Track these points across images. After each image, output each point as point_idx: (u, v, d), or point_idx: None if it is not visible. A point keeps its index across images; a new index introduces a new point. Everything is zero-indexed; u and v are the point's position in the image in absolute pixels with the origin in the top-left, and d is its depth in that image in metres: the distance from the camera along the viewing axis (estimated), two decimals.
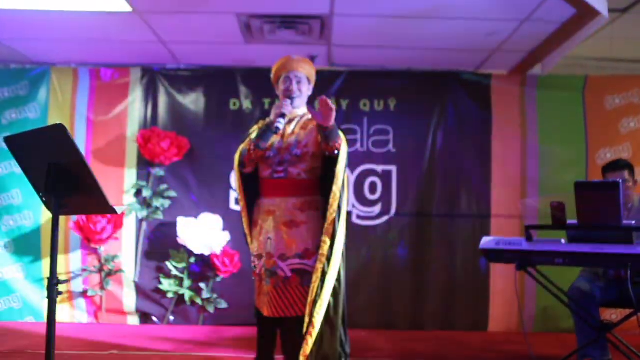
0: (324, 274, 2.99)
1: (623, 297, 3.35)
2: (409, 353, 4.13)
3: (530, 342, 3.38)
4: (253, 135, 3.19)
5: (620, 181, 2.87)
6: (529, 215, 4.95)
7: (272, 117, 3.11)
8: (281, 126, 3.02)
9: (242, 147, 3.19)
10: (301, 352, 2.96)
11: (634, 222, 3.32)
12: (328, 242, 3.00)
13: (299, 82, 3.18)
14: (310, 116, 3.21)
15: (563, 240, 2.96)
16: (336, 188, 3.03)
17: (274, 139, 3.14)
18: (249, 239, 3.25)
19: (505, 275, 4.84)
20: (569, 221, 2.95)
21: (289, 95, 3.14)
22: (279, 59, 3.25)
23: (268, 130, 3.10)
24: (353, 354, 3.29)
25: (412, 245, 5.05)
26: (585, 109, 5.03)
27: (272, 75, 3.28)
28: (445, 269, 5.01)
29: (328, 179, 3.13)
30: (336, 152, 3.03)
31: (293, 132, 3.15)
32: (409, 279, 5.02)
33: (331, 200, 3.02)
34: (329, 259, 2.99)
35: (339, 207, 3.03)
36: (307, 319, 2.96)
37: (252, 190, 3.24)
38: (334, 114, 2.88)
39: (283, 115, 3.04)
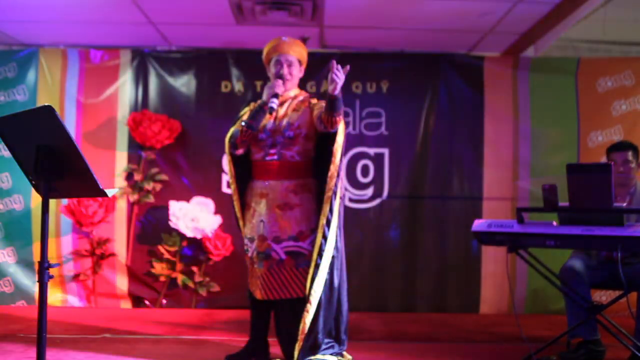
0: (320, 252, 2.99)
1: (614, 278, 3.37)
2: (400, 335, 4.16)
3: (521, 323, 3.40)
4: (244, 117, 3.18)
5: (612, 163, 2.88)
6: (520, 198, 4.97)
7: (264, 97, 3.09)
8: (275, 106, 3.01)
9: (232, 129, 3.18)
10: (299, 330, 2.99)
11: (624, 204, 3.35)
12: (324, 220, 3.00)
13: (290, 66, 3.17)
14: (302, 98, 3.22)
15: (554, 223, 2.97)
16: (333, 167, 3.02)
17: (267, 121, 3.13)
18: (240, 223, 3.25)
19: (496, 257, 4.88)
20: (561, 203, 2.96)
21: (280, 78, 3.13)
22: (270, 41, 3.23)
23: (261, 110, 3.09)
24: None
25: (404, 228, 5.06)
26: (578, 91, 5.03)
27: (263, 57, 3.27)
28: (437, 251, 5.03)
29: (322, 160, 3.14)
30: (333, 130, 2.99)
31: (285, 114, 3.15)
32: (401, 262, 5.04)
33: (328, 179, 3.01)
34: (325, 238, 3.00)
35: (335, 186, 3.02)
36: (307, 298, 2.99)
37: (244, 172, 3.24)
38: (339, 81, 2.80)
39: (276, 95, 3.03)
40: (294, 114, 3.15)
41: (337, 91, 2.84)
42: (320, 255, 3.00)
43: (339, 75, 2.80)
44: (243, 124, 3.10)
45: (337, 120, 2.95)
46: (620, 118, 5.01)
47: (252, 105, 3.26)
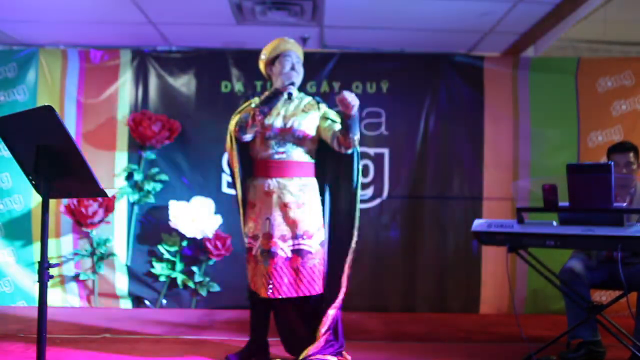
0: (349, 253, 3.16)
1: (614, 278, 3.37)
2: (400, 335, 4.16)
3: (521, 323, 3.40)
4: (246, 110, 3.18)
5: (612, 163, 2.88)
6: (520, 198, 4.96)
7: (278, 85, 3.12)
8: (293, 92, 3.06)
9: (237, 116, 3.17)
10: (318, 330, 3.07)
11: (624, 204, 3.35)
12: (357, 224, 3.21)
13: (297, 62, 3.20)
14: (309, 100, 3.27)
15: (554, 223, 2.97)
16: (358, 183, 3.25)
17: (274, 118, 3.12)
18: (242, 220, 3.24)
19: (496, 257, 4.88)
20: (561, 203, 2.96)
21: (294, 71, 3.17)
22: (272, 41, 3.24)
23: (274, 97, 3.10)
24: (345, 337, 3.31)
25: (404, 228, 5.06)
26: (578, 91, 5.03)
27: (264, 57, 3.25)
28: (437, 251, 5.03)
29: (322, 160, 3.23)
30: (349, 151, 3.12)
31: (294, 114, 3.16)
32: (401, 261, 5.04)
33: (356, 189, 3.24)
34: (354, 242, 3.19)
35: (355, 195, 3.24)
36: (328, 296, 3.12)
37: (244, 171, 3.23)
38: (355, 104, 2.92)
39: (293, 84, 3.07)
40: (303, 114, 3.18)
41: (354, 112, 2.93)
42: (347, 254, 3.16)
43: (353, 97, 2.90)
44: (253, 106, 3.13)
45: (354, 141, 3.06)
46: (620, 118, 5.01)
47: (256, 99, 3.26)
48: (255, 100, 3.22)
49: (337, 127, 3.12)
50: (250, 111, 3.10)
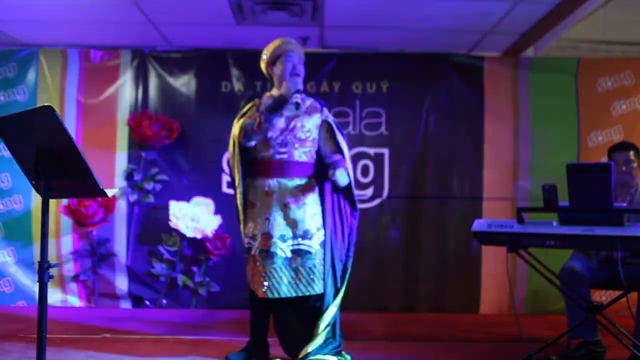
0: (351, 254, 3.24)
1: (614, 278, 3.37)
2: (400, 335, 4.16)
3: (521, 323, 3.40)
4: (249, 113, 3.18)
5: (612, 163, 2.88)
6: (520, 198, 4.97)
7: (283, 91, 3.09)
8: (300, 101, 3.07)
9: (242, 120, 3.17)
10: (317, 328, 3.07)
11: (625, 204, 3.35)
12: (355, 226, 3.28)
13: (299, 63, 3.19)
14: (312, 102, 3.27)
15: (555, 223, 2.97)
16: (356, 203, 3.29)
17: (276, 120, 3.13)
18: (241, 220, 3.24)
19: (496, 257, 4.87)
20: (561, 203, 2.96)
21: (296, 73, 3.15)
22: (274, 41, 3.23)
23: (279, 103, 3.09)
24: (345, 337, 3.31)
25: (404, 228, 5.06)
26: (578, 91, 5.03)
27: (266, 57, 3.24)
28: (437, 252, 5.03)
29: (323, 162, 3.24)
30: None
31: (297, 115, 3.16)
32: (401, 262, 5.04)
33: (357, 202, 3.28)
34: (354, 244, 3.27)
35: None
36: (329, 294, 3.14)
37: (243, 171, 3.23)
38: (342, 185, 3.07)
39: (298, 91, 3.06)
40: (305, 115, 3.18)
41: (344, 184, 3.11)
42: (348, 256, 3.20)
43: (343, 179, 3.05)
44: (257, 112, 3.12)
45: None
46: (620, 118, 5.01)
47: (252, 103, 3.26)
48: (258, 102, 3.22)
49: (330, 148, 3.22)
50: (255, 117, 3.10)
